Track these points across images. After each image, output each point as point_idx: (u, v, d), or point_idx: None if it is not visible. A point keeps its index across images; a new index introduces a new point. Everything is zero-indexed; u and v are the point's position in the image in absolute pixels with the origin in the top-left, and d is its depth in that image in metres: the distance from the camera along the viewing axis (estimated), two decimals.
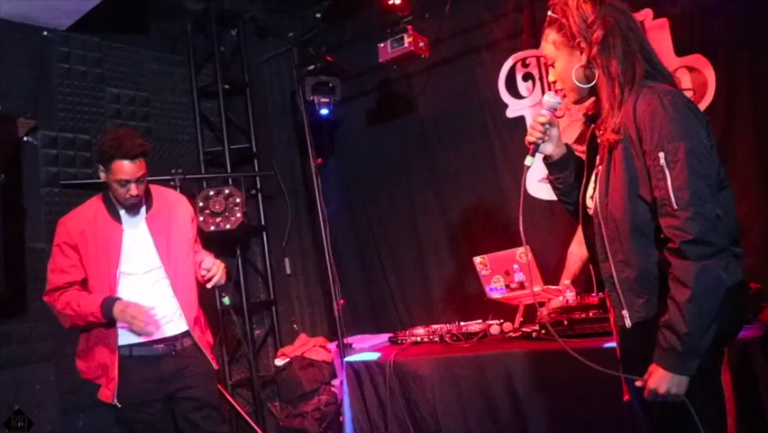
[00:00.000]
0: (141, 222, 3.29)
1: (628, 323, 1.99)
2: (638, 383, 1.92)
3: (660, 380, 1.83)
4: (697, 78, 4.23)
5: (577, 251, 4.17)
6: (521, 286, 3.83)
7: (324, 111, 5.01)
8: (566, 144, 2.35)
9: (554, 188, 2.41)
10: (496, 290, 3.92)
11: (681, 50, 4.29)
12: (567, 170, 2.32)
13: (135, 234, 3.25)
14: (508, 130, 4.98)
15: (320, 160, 4.81)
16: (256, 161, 5.61)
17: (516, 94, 4.96)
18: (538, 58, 4.85)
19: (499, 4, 4.94)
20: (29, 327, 4.17)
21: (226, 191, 4.96)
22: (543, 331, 3.38)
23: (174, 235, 3.33)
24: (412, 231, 5.43)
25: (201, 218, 4.94)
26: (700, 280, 1.74)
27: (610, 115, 1.98)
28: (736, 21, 4.06)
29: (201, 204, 4.90)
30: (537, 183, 4.85)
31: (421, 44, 4.55)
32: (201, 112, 5.47)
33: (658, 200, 1.84)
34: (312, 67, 4.83)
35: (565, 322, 3.32)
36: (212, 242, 5.21)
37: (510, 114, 4.97)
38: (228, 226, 4.92)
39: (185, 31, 5.55)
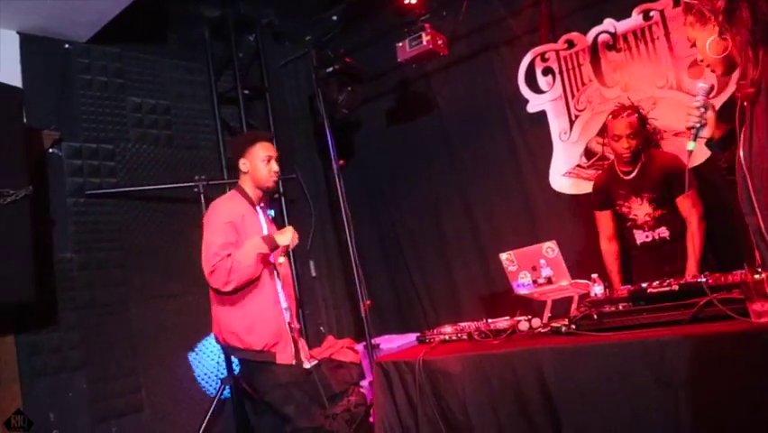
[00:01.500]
0: (260, 213, 3.82)
1: None
2: None
3: None
4: None
5: (607, 247, 4.21)
6: (549, 281, 3.78)
7: (345, 112, 5.01)
8: (728, 126, 2.37)
9: (721, 168, 2.45)
10: (523, 285, 3.88)
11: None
12: (729, 149, 2.33)
13: (263, 223, 3.77)
14: (530, 125, 4.98)
15: (342, 161, 4.82)
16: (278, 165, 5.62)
17: (536, 89, 4.95)
18: (557, 52, 4.84)
19: (517, 1, 4.92)
20: (60, 336, 4.22)
21: None
22: (572, 326, 3.35)
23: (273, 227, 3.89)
24: (436, 230, 5.43)
25: None
26: None
27: (747, 73, 2.03)
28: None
29: None
30: (561, 177, 4.84)
31: (440, 42, 4.55)
32: (221, 118, 5.50)
33: None
34: (331, 69, 4.83)
35: (595, 316, 3.28)
36: None
37: (531, 109, 4.97)
38: None
39: (203, 38, 5.59)
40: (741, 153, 2.08)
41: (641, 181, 3.98)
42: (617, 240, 4.22)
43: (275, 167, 3.74)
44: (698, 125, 2.32)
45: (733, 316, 2.87)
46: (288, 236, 3.65)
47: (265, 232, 3.71)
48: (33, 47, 4.44)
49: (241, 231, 3.58)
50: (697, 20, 2.14)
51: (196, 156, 5.37)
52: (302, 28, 5.55)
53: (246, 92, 5.53)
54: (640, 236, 4.07)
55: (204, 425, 4.48)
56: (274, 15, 5.77)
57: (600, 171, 4.35)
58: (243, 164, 3.78)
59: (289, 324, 3.70)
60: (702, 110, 2.29)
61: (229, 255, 3.44)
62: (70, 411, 4.20)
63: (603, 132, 4.29)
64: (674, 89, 4.37)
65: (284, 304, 3.69)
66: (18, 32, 4.38)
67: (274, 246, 3.59)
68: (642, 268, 4.04)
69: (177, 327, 4.79)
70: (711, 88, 2.31)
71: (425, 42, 4.50)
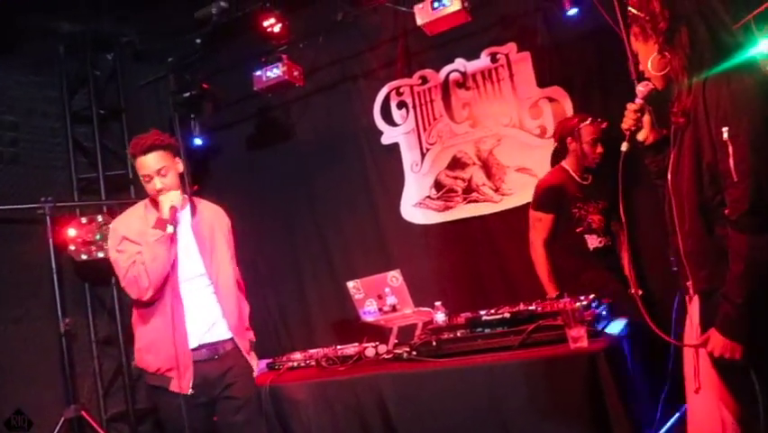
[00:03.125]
0: (187, 229, 3.38)
1: (692, 293, 2.12)
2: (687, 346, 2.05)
3: (715, 343, 1.94)
4: (556, 108, 4.53)
5: (542, 252, 4.13)
6: (393, 309, 3.92)
7: (198, 140, 4.98)
8: (662, 130, 2.43)
9: (650, 171, 2.46)
10: (369, 313, 3.99)
11: (542, 82, 4.58)
12: (660, 155, 2.38)
13: (181, 240, 3.32)
14: (384, 156, 5.14)
15: (196, 186, 4.78)
16: (132, 188, 5.49)
17: (390, 121, 5.13)
18: (412, 87, 5.05)
19: (375, 34, 5.10)
20: None
21: (100, 219, 4.84)
22: (413, 352, 3.49)
23: (217, 244, 3.47)
24: (292, 257, 5.47)
25: (73, 247, 4.79)
26: (753, 253, 1.87)
27: (679, 99, 2.11)
28: (588, 56, 4.38)
29: (73, 233, 4.76)
30: (411, 208, 5.02)
31: (295, 73, 4.65)
32: (74, 137, 5.32)
33: (721, 174, 1.95)
34: (188, 94, 4.80)
35: (434, 342, 3.44)
36: (85, 271, 5.08)
37: (385, 140, 5.14)
38: (102, 255, 4.80)
39: (56, 53, 5.39)
40: (669, 175, 2.19)
41: (598, 188, 4.05)
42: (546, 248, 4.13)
43: (157, 184, 3.27)
44: (632, 128, 2.38)
45: (554, 342, 3.13)
46: (164, 204, 3.22)
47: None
48: None
49: (139, 240, 3.26)
50: (640, 33, 2.21)
51: (46, 176, 5.15)
52: (164, 49, 5.47)
53: (102, 112, 5.38)
54: (593, 241, 4.00)
55: None
56: (135, 34, 5.65)
57: (548, 175, 4.19)
58: None
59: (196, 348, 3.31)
60: (639, 114, 2.35)
61: (134, 262, 3.20)
62: None
63: (572, 135, 4.08)
64: (517, 128, 4.67)
65: (190, 327, 3.29)
66: None
67: (162, 223, 3.19)
68: (597, 273, 3.94)
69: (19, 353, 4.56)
70: (650, 92, 2.38)
71: (280, 73, 4.57)
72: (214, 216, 3.62)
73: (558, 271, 4.08)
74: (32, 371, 4.62)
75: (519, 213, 4.58)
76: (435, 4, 4.00)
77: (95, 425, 4.50)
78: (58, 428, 4.39)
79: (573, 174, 4.08)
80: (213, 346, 3.36)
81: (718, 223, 2.00)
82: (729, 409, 2.08)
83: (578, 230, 4.00)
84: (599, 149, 4.01)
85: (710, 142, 1.98)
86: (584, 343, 3.00)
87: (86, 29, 5.41)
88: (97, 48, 5.53)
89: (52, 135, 5.28)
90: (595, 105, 4.35)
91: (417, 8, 4.12)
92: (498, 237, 4.70)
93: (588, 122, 4.02)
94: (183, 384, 3.19)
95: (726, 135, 1.92)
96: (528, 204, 4.54)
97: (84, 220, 4.80)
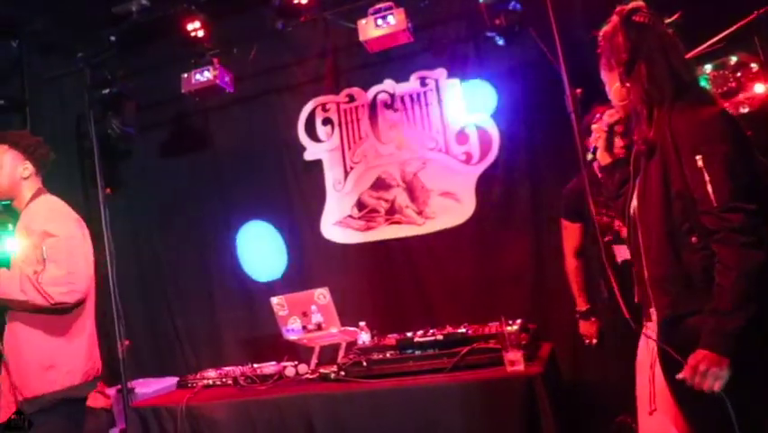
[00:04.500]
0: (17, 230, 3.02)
1: (654, 319, 2.12)
2: (679, 376, 1.97)
3: (702, 358, 1.91)
4: (483, 136, 4.61)
5: (576, 263, 3.85)
6: (318, 327, 3.82)
7: (116, 138, 4.71)
8: (618, 155, 2.54)
9: (605, 191, 2.54)
10: (293, 331, 3.87)
11: (470, 109, 4.65)
12: (612, 177, 2.48)
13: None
14: (305, 172, 5.05)
15: (109, 189, 4.49)
16: None
17: (314, 137, 5.05)
18: (338, 104, 4.99)
19: (304, 49, 5.03)
20: None
21: None
22: (342, 372, 3.40)
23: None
24: (202, 270, 5.25)
25: None
26: (743, 264, 1.88)
27: (638, 128, 2.15)
28: (519, 86, 4.49)
29: None
30: (331, 226, 4.95)
31: (226, 78, 4.50)
32: None
33: (698, 200, 1.97)
34: (107, 91, 4.54)
35: (364, 363, 3.36)
36: None
37: (308, 156, 5.05)
38: None
39: None
40: (634, 203, 2.22)
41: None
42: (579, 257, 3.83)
43: None
44: (594, 145, 2.55)
45: (489, 365, 3.14)
46: None
47: None
48: None
49: None
50: (606, 64, 2.28)
51: None
52: (74, 43, 5.13)
53: (2, 102, 4.98)
54: (622, 253, 3.35)
55: None
56: (42, 23, 5.29)
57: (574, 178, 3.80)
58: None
59: None
60: (598, 134, 2.52)
61: None
62: None
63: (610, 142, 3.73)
64: (443, 152, 4.70)
65: None
66: None
67: None
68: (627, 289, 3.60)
69: None
70: (616, 121, 2.46)
71: (211, 77, 4.41)
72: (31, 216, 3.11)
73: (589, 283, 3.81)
74: None
75: (441, 236, 4.63)
76: (379, 22, 3.98)
77: None
78: None
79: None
80: None
81: (686, 249, 2.04)
82: None
83: (606, 239, 3.48)
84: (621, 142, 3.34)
85: (679, 171, 2.04)
86: (521, 366, 3.03)
87: None
88: (1, 33, 5.14)
89: None
90: (522, 135, 4.47)
91: (360, 24, 4.08)
92: (420, 260, 4.70)
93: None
94: None
95: (700, 163, 1.98)
96: (450, 229, 4.61)
97: None
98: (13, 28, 5.17)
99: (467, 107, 4.67)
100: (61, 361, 2.89)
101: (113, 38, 4.94)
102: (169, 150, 5.37)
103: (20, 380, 2.86)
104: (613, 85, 2.28)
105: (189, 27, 4.63)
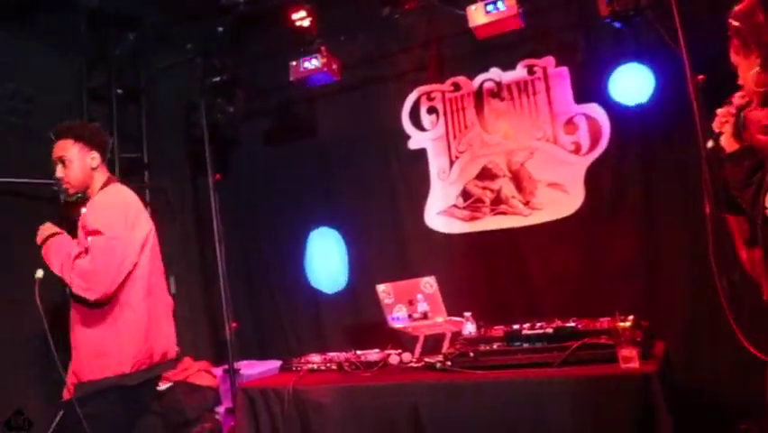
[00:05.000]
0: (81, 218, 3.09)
1: None
2: None
3: None
4: (593, 126, 4.46)
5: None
6: (424, 316, 3.81)
7: (225, 126, 4.84)
8: (742, 142, 2.31)
9: (729, 181, 2.34)
10: (398, 319, 3.88)
11: (579, 98, 4.51)
12: (739, 166, 2.27)
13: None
14: (410, 161, 5.02)
15: (218, 175, 4.62)
16: (146, 172, 5.31)
17: (419, 126, 5.02)
18: (443, 93, 4.94)
19: (409, 37, 5.00)
20: None
21: None
22: (448, 362, 3.37)
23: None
24: (305, 255, 5.32)
25: None
26: None
27: None
28: (631, 74, 4.30)
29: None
30: (435, 216, 4.91)
31: (334, 66, 4.53)
32: (90, 114, 5.13)
33: None
34: (218, 79, 4.66)
35: (471, 354, 3.32)
36: None
37: (413, 145, 5.02)
38: None
39: (77, 27, 5.21)
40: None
41: None
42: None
43: (58, 172, 3.10)
44: (717, 132, 2.31)
45: (600, 361, 3.03)
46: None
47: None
48: None
49: None
50: (741, 47, 2.11)
51: None
52: (187, 34, 5.31)
53: (120, 91, 5.20)
54: None
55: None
56: (157, 16, 5.48)
57: None
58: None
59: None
60: (728, 119, 2.27)
61: None
62: None
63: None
64: (550, 142, 4.58)
65: None
66: None
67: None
68: None
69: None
70: (745, 104, 2.26)
71: (319, 64, 4.45)
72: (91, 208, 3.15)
73: None
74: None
75: (548, 228, 4.50)
76: (489, 8, 3.90)
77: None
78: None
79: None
80: None
81: None
82: None
83: None
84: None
85: None
86: (636, 364, 2.92)
87: (110, 5, 5.24)
88: (119, 25, 5.35)
89: (67, 111, 5.08)
90: (634, 125, 4.29)
91: (470, 10, 4.00)
92: (525, 251, 4.59)
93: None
94: None
95: None
96: (557, 220, 4.48)
97: None
98: (131, 22, 5.38)
99: (576, 96, 4.53)
100: (111, 350, 2.93)
101: (221, 29, 5.09)
102: (276, 137, 5.47)
103: (77, 365, 2.96)
104: (750, 70, 2.09)
105: (295, 16, 4.67)
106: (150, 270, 3.10)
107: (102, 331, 2.93)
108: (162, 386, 4.67)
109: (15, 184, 4.52)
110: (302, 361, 4.04)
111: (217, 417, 4.60)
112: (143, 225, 3.13)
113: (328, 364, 3.90)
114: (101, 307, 2.92)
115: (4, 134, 4.58)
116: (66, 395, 2.94)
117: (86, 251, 2.92)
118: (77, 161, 3.07)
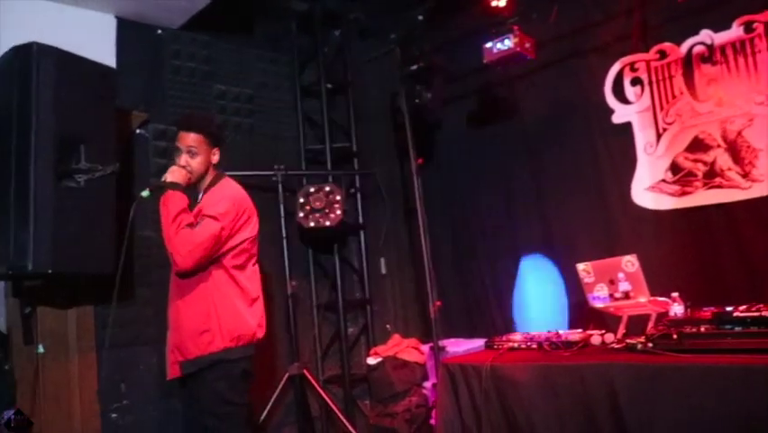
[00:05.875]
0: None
1: None
2: None
3: None
4: None
5: None
6: (626, 296, 3.68)
7: (425, 112, 4.99)
8: None
9: None
10: (599, 298, 3.79)
11: None
12: None
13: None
14: (614, 136, 4.83)
15: (420, 160, 4.79)
16: (356, 160, 5.68)
17: (623, 99, 4.80)
18: (648, 62, 4.68)
19: (608, 6, 4.81)
20: (135, 310, 4.35)
21: (327, 188, 5.03)
22: (649, 344, 3.23)
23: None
24: (511, 236, 5.35)
25: (301, 214, 5.02)
26: None
27: None
28: None
29: (302, 200, 5.00)
30: (643, 192, 4.69)
31: (527, 45, 4.47)
32: (304, 110, 5.58)
33: None
34: (415, 67, 4.82)
35: (674, 336, 3.16)
36: (310, 238, 5.32)
37: (616, 119, 4.82)
38: (328, 223, 5.00)
39: (289, 31, 5.68)
40: None
41: None
42: None
43: (182, 160, 3.31)
44: None
45: None
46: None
47: None
48: (128, 31, 4.59)
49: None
50: None
51: (276, 146, 5.48)
52: (387, 25, 5.54)
53: (329, 86, 5.58)
54: None
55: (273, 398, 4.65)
56: (360, 11, 5.79)
57: None
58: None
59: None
60: None
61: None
62: (140, 384, 4.34)
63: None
64: None
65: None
66: (116, 17, 4.54)
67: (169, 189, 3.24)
68: None
69: None
70: None
71: (512, 45, 4.42)
72: (210, 199, 3.36)
73: None
74: None
75: None
76: None
77: (314, 384, 4.70)
78: (282, 382, 4.65)
79: None
80: None
81: None
82: None
83: None
84: None
85: None
86: None
87: (317, 6, 5.63)
88: (326, 25, 5.73)
89: (283, 108, 5.56)
90: None
91: None
92: (744, 227, 4.22)
93: None
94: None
95: None
96: None
97: (312, 189, 5.00)
98: (336, 19, 5.74)
99: None
100: (214, 326, 3.13)
101: (420, 17, 5.24)
102: (476, 119, 5.54)
103: (180, 342, 3.18)
104: None
105: None
106: (250, 257, 3.34)
107: (205, 308, 3.16)
108: (373, 361, 4.99)
109: (243, 177, 5.03)
110: (504, 339, 4.10)
111: (424, 391, 4.80)
112: (254, 222, 3.40)
113: (529, 343, 3.92)
114: (185, 277, 3.17)
115: (233, 133, 5.12)
116: (173, 372, 3.23)
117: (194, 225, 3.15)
118: (203, 155, 3.32)
